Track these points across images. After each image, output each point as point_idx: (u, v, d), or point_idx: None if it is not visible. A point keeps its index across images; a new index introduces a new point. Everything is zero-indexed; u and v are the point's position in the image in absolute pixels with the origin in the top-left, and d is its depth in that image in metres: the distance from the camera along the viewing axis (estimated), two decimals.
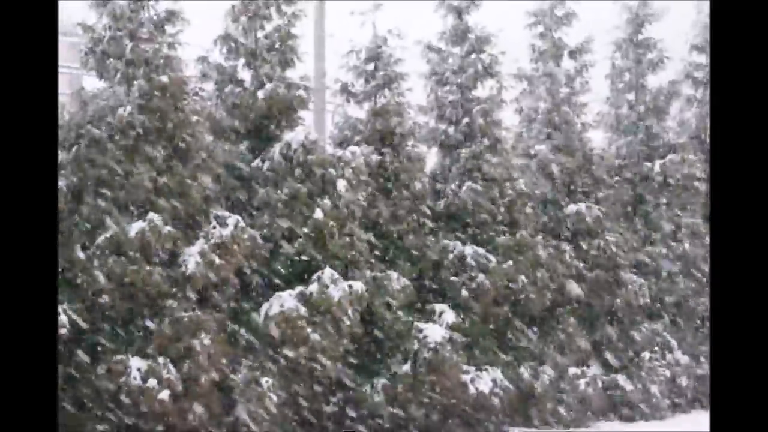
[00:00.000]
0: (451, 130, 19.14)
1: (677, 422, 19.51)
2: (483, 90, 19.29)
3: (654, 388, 19.81)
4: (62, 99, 14.77)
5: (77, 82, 16.45)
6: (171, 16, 14.66)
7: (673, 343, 20.83)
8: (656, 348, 20.47)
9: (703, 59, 24.15)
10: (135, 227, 13.48)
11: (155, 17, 14.60)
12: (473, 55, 19.23)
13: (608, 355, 19.95)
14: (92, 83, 14.75)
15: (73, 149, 14.01)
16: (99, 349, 13.38)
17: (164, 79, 14.18)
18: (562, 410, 18.30)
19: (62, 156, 13.99)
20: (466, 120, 18.98)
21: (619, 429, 18.69)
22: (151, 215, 13.60)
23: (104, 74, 14.58)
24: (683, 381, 20.56)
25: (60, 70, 18.77)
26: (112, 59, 14.41)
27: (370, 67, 18.05)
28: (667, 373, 20.25)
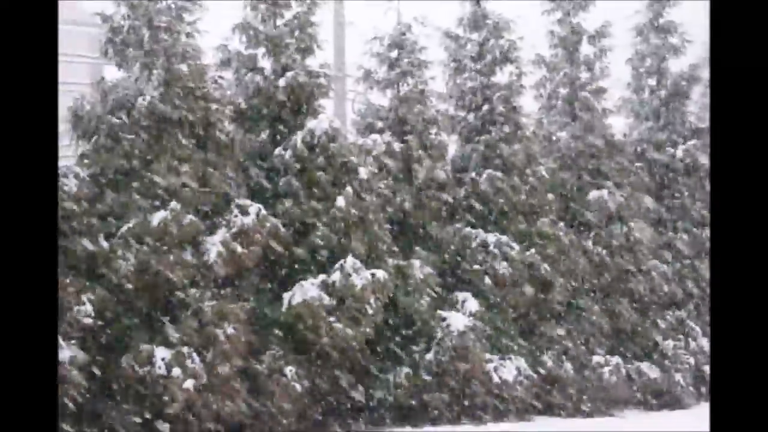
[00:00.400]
0: (470, 117, 19.06)
1: (702, 410, 19.28)
2: (502, 76, 19.20)
3: (678, 376, 19.68)
4: (82, 89, 14.76)
5: (98, 71, 16.42)
6: (189, 4, 14.58)
7: (698, 330, 20.69)
8: (680, 336, 20.34)
9: None
10: (157, 217, 13.44)
11: (173, 5, 14.52)
12: (491, 41, 19.13)
13: (632, 343, 19.82)
14: (112, 73, 14.70)
15: (94, 139, 13.98)
16: (124, 338, 13.34)
17: (183, 68, 14.13)
18: (585, 398, 18.19)
19: (83, 146, 13.97)
20: (485, 107, 18.89)
21: (642, 418, 18.56)
22: (173, 204, 13.56)
23: (124, 64, 14.55)
24: (707, 368, 20.40)
25: (80, 60, 18.89)
26: (131, 49, 14.37)
27: (394, 54, 17.98)
28: (692, 360, 20.13)
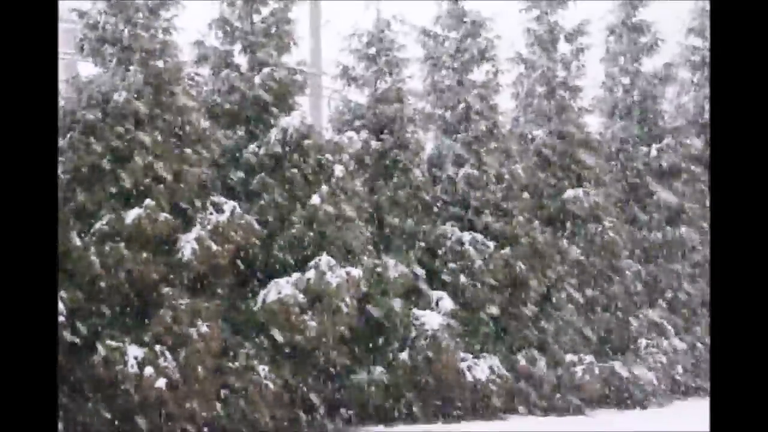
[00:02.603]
0: (447, 115, 19.02)
1: (674, 409, 19.47)
2: (479, 74, 19.17)
3: (651, 375, 19.74)
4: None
5: (73, 67, 16.26)
6: (166, 1, 14.45)
7: (670, 329, 20.78)
8: (653, 334, 20.43)
9: (700, 42, 24.01)
10: (131, 214, 13.32)
11: (150, 2, 14.38)
12: (469, 40, 19.10)
13: (605, 342, 19.88)
14: (87, 69, 14.56)
15: (69, 135, 13.83)
16: (95, 336, 13.21)
17: (160, 64, 14.02)
18: (558, 397, 18.22)
19: (58, 142, 13.82)
20: (462, 105, 18.86)
21: (615, 416, 18.61)
22: (148, 201, 13.43)
23: (100, 60, 14.40)
24: (680, 368, 20.52)
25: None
26: (107, 45, 14.22)
27: (372, 51, 17.90)
28: (664, 359, 20.19)
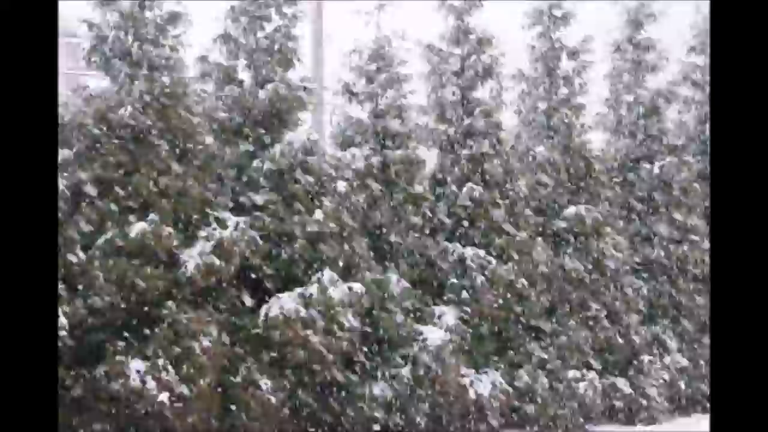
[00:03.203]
0: (451, 131, 19.08)
1: (676, 425, 19.47)
2: (483, 91, 19.24)
3: (653, 391, 19.74)
4: (62, 98, 14.66)
5: (73, 81, 16.33)
6: (174, 17, 14.56)
7: (673, 345, 20.78)
8: (655, 351, 20.42)
9: (701, 61, 24.09)
10: (136, 228, 13.39)
11: (158, 18, 14.48)
12: (474, 57, 19.18)
13: (607, 358, 19.88)
14: (93, 82, 14.62)
15: (75, 149, 13.90)
16: (98, 350, 13.26)
17: (166, 80, 14.09)
18: (561, 413, 18.22)
19: (63, 155, 13.89)
20: (466, 121, 18.93)
21: None
22: (152, 216, 13.51)
23: (107, 73, 14.49)
24: (682, 384, 20.50)
25: (60, 70, 18.76)
26: (116, 59, 14.32)
27: (373, 67, 17.97)
28: (666, 375, 20.19)
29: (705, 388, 21.10)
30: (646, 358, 20.11)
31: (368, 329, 15.80)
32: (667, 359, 20.47)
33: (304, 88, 16.29)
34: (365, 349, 15.94)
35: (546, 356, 18.53)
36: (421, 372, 15.91)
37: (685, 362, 20.75)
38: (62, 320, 12.58)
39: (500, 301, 17.72)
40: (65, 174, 13.79)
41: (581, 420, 18.45)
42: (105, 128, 13.94)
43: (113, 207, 13.71)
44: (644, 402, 19.63)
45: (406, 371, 15.96)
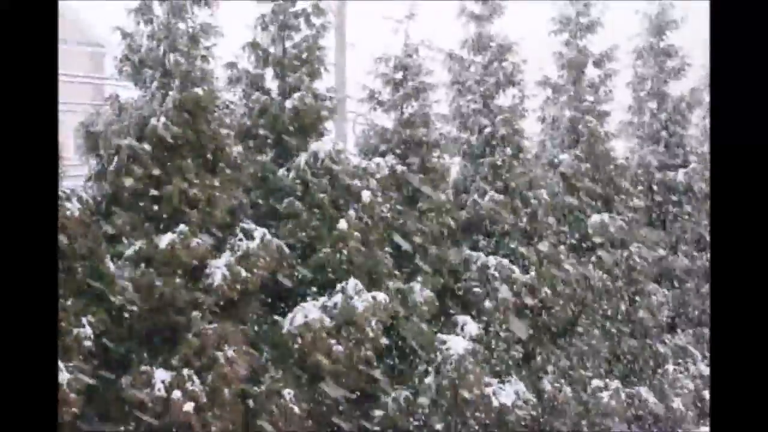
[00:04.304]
0: (473, 139, 19.04)
1: None
2: (505, 99, 19.19)
3: (677, 401, 19.62)
4: (92, 108, 14.68)
5: (101, 91, 16.38)
6: (206, 29, 14.57)
7: (698, 354, 20.66)
8: (680, 360, 20.31)
9: None
10: (165, 239, 13.39)
11: (191, 29, 14.49)
12: (495, 64, 19.13)
13: (631, 367, 19.78)
14: (123, 92, 14.65)
15: (106, 158, 13.93)
16: (124, 360, 13.27)
17: (199, 92, 14.09)
18: (584, 423, 18.13)
19: (93, 166, 13.92)
20: (488, 129, 18.87)
21: None
22: (182, 227, 13.52)
23: (136, 83, 14.51)
24: (707, 393, 20.35)
25: (84, 79, 18.86)
26: (148, 69, 14.34)
27: (399, 75, 17.93)
28: (691, 385, 20.07)
29: None
30: (670, 367, 20.02)
31: (392, 339, 15.75)
32: (692, 368, 20.35)
33: (331, 98, 16.29)
34: (389, 358, 15.90)
35: (569, 365, 18.47)
36: (444, 381, 15.84)
37: (709, 371, 20.62)
38: (87, 330, 12.60)
39: (523, 310, 17.66)
40: (91, 184, 13.82)
41: (605, 429, 18.34)
42: (137, 139, 13.94)
43: (143, 217, 13.72)
44: (668, 412, 19.51)
45: (429, 380, 15.91)
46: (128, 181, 13.61)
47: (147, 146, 13.79)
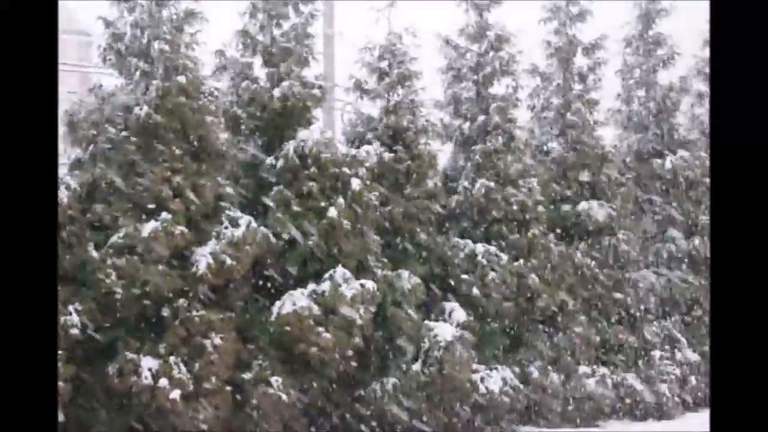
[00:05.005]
0: (465, 126, 19.05)
1: (687, 421, 19.45)
2: (499, 87, 19.20)
3: (664, 387, 19.73)
4: (73, 97, 14.65)
5: (88, 80, 16.33)
6: (190, 16, 14.53)
7: (684, 341, 20.76)
8: (666, 347, 20.41)
9: None
10: (148, 227, 13.38)
11: (175, 16, 14.45)
12: (491, 53, 19.14)
13: (618, 354, 19.87)
14: (107, 80, 14.61)
15: (90, 147, 13.90)
16: (110, 348, 13.29)
17: (183, 79, 14.06)
18: (571, 409, 18.23)
19: (77, 154, 13.89)
20: (481, 117, 18.88)
21: (628, 428, 18.62)
22: (165, 215, 13.50)
23: (121, 71, 14.47)
24: (693, 380, 20.49)
25: (71, 68, 18.79)
26: (133, 57, 14.30)
27: (384, 64, 17.91)
28: (677, 371, 20.18)
29: None
30: (657, 353, 20.11)
31: (379, 326, 15.79)
32: (679, 355, 20.45)
33: (320, 87, 16.27)
34: (377, 345, 15.94)
35: (557, 352, 18.55)
36: (432, 368, 15.89)
37: (696, 358, 20.73)
38: (74, 318, 12.62)
39: (511, 297, 17.72)
40: (76, 173, 13.80)
41: (592, 415, 18.44)
42: (120, 127, 13.91)
43: (127, 205, 13.70)
44: (655, 398, 19.61)
45: (417, 367, 15.96)
46: (111, 169, 13.60)
47: (131, 134, 13.77)
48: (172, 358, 13.25)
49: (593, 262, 19.57)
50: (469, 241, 17.82)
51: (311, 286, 14.75)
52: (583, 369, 18.74)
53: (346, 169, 15.53)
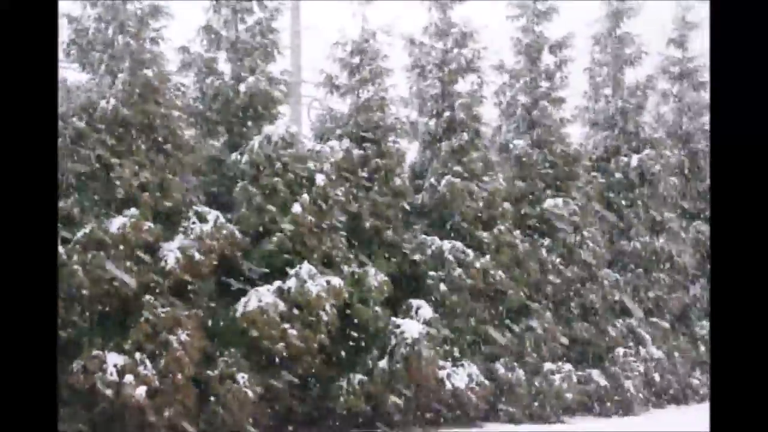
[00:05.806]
0: (431, 123, 19.10)
1: (651, 417, 19.62)
2: (464, 84, 19.26)
3: (628, 383, 19.88)
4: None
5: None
6: (155, 11, 14.49)
7: (647, 338, 20.93)
8: (631, 343, 20.57)
9: (680, 54, 24.25)
10: (116, 222, 13.32)
11: (139, 11, 14.40)
12: (456, 50, 19.19)
13: (583, 350, 20.01)
14: (71, 75, 14.55)
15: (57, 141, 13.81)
16: (75, 344, 13.22)
17: (148, 73, 14.01)
18: (536, 405, 18.33)
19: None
20: (447, 114, 18.94)
21: (593, 424, 18.74)
22: (132, 210, 13.45)
23: (87, 66, 14.40)
24: (657, 376, 20.67)
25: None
26: (97, 52, 14.23)
27: (356, 60, 17.91)
28: (641, 368, 20.33)
29: (679, 380, 21.32)
30: (621, 350, 20.26)
31: (346, 322, 15.80)
32: (643, 351, 20.61)
33: (285, 82, 16.26)
34: (343, 342, 15.95)
35: (522, 349, 18.64)
36: (398, 365, 15.92)
37: (660, 354, 20.91)
38: None
39: (478, 294, 17.79)
40: None
41: (557, 412, 18.55)
42: (86, 121, 13.84)
43: (94, 200, 13.64)
44: (620, 394, 19.76)
45: (383, 364, 15.98)
46: (77, 165, 13.52)
47: (96, 129, 13.70)
48: (137, 354, 13.20)
49: (558, 259, 19.70)
50: (436, 238, 17.87)
51: (277, 282, 14.74)
52: (548, 365, 18.84)
53: (311, 165, 15.54)
